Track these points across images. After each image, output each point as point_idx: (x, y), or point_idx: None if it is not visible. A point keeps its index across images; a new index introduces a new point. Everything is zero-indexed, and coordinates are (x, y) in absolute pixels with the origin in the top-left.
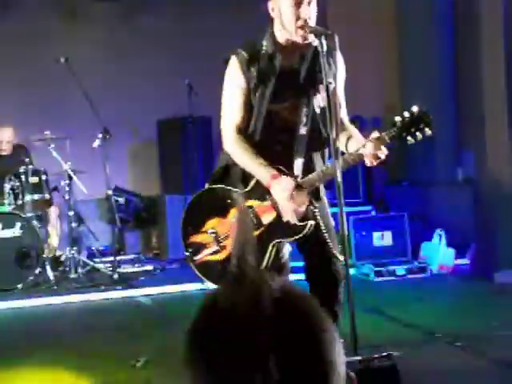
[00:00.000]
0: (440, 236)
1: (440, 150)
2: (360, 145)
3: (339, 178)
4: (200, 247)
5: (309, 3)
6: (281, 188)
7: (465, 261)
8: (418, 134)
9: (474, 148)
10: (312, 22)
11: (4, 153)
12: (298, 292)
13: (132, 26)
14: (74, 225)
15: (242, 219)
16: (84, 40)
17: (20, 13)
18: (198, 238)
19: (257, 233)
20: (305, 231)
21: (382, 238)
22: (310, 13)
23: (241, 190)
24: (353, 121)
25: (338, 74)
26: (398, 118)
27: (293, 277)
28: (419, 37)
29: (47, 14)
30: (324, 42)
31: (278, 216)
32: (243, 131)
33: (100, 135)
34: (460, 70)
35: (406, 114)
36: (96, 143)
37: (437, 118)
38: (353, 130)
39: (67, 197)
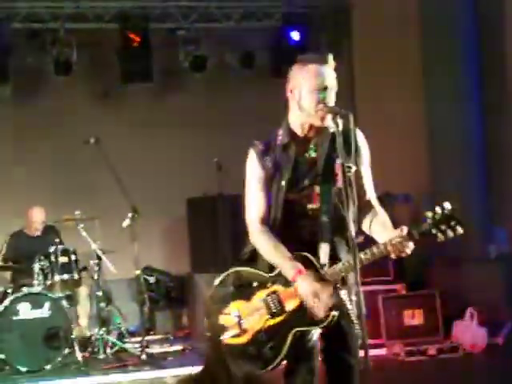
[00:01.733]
0: (472, 314)
1: (472, 227)
2: (387, 234)
3: (357, 264)
4: (221, 329)
5: (331, 89)
6: (305, 286)
7: (498, 340)
8: (449, 231)
9: (507, 225)
10: (331, 104)
11: (36, 233)
12: None
13: (161, 104)
14: (102, 305)
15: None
16: (112, 119)
17: (50, 93)
18: (220, 320)
19: (279, 319)
20: (327, 321)
21: (413, 317)
22: (330, 97)
23: (267, 275)
24: (380, 199)
25: (361, 154)
26: (429, 214)
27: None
28: (445, 114)
29: (75, 94)
30: (340, 121)
31: (302, 303)
32: (267, 221)
33: (129, 214)
34: (490, 143)
35: (438, 210)
36: (126, 223)
37: (468, 194)
38: (381, 213)
39: (96, 276)
